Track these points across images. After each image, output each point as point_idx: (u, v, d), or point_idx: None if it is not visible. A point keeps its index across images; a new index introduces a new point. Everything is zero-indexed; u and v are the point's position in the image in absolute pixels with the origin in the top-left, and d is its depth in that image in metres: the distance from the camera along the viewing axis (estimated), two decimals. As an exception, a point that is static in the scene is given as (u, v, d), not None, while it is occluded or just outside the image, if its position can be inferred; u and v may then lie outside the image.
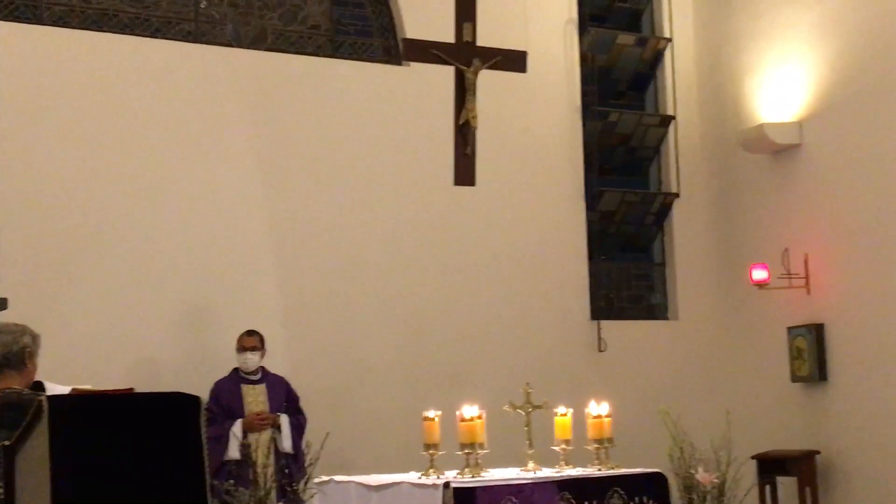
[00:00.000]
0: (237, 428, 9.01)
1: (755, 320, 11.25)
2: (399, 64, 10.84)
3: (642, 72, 12.23)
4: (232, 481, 7.26)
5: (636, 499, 7.38)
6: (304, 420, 9.33)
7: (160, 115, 9.80)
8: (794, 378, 10.72)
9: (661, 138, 12.09)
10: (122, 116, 9.66)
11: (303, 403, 9.44)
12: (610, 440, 7.71)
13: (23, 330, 5.86)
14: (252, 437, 8.84)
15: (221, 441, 8.87)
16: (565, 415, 7.78)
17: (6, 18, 9.48)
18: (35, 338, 5.89)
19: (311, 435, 8.45)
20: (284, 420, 9.20)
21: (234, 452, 8.85)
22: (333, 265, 10.28)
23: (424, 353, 10.52)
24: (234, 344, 9.34)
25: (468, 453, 7.25)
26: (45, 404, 5.00)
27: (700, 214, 11.95)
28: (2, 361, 5.78)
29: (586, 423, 7.78)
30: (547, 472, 7.46)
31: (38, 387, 5.91)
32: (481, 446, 7.29)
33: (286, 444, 9.11)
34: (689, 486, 7.65)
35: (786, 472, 10.40)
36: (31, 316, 7.64)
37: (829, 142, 10.43)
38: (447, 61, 8.98)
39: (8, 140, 9.23)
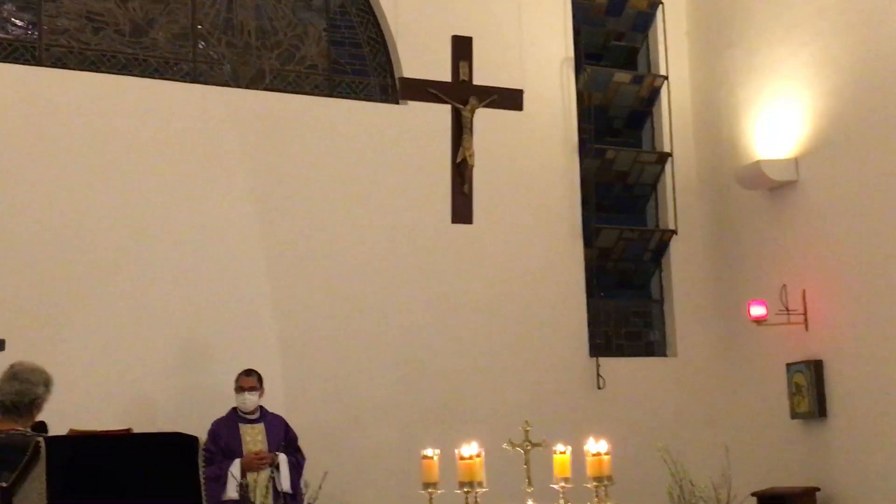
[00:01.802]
0: (235, 468, 8.97)
1: (754, 357, 11.23)
2: (396, 103, 10.89)
3: (638, 109, 12.27)
4: (230, 522, 7.25)
5: (636, 537, 7.35)
6: (303, 459, 9.31)
7: (158, 155, 9.83)
8: (794, 414, 10.70)
9: (658, 175, 12.11)
10: (121, 156, 9.69)
11: (301, 443, 9.41)
12: (609, 478, 7.68)
13: (38, 380, 5.89)
14: (250, 477, 8.80)
15: (220, 481, 8.84)
16: (564, 452, 7.76)
17: (5, 60, 9.53)
18: (48, 385, 5.94)
19: (309, 474, 8.44)
20: (283, 459, 9.17)
21: (232, 492, 8.81)
22: (331, 304, 10.28)
23: (423, 391, 10.50)
24: (231, 383, 9.32)
25: (467, 492, 7.23)
26: (43, 445, 5.00)
27: (698, 251, 11.97)
28: (10, 407, 5.82)
29: (585, 461, 7.75)
30: (546, 511, 7.43)
31: (41, 426, 5.93)
32: (480, 485, 7.26)
33: (285, 483, 9.08)
34: (689, 524, 7.62)
35: (786, 510, 10.36)
36: (28, 356, 7.64)
37: (826, 178, 10.46)
38: (444, 100, 9.03)
39: (6, 180, 9.25)
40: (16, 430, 5.65)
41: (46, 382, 5.95)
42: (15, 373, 5.91)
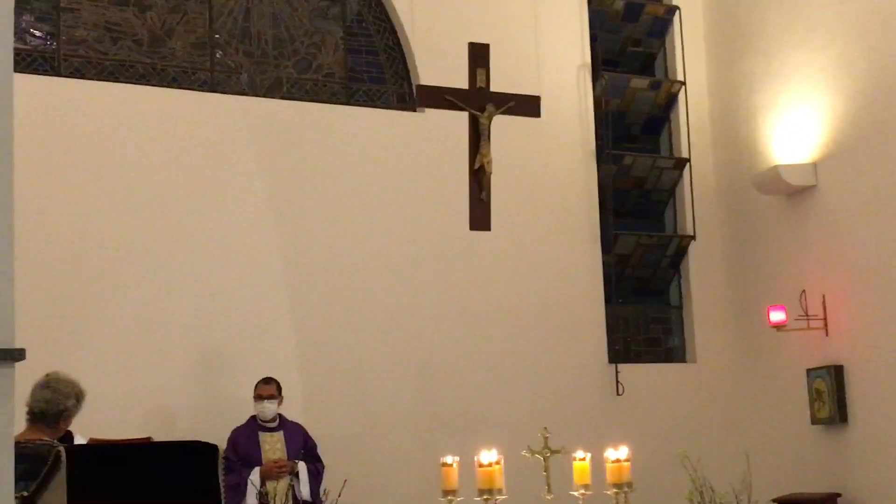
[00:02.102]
0: (255, 476, 8.98)
1: (773, 362, 11.20)
2: (413, 110, 10.90)
3: (656, 115, 12.25)
4: (250, 530, 7.25)
5: (656, 544, 7.33)
6: (322, 467, 9.31)
7: (176, 164, 9.86)
8: (814, 420, 10.65)
9: (676, 181, 12.09)
10: (139, 166, 9.72)
11: (320, 450, 9.42)
12: (629, 484, 7.66)
13: (69, 391, 5.91)
14: (270, 485, 8.81)
15: (239, 489, 8.85)
16: (584, 459, 7.74)
17: (24, 71, 9.56)
18: (80, 399, 5.95)
19: (329, 482, 8.43)
20: (302, 467, 9.17)
21: (252, 500, 8.83)
22: (349, 311, 10.29)
23: (442, 398, 10.50)
24: (250, 392, 9.34)
25: (487, 499, 7.22)
26: (63, 455, 5.01)
27: (716, 257, 11.94)
28: (37, 415, 5.84)
29: (605, 468, 7.73)
30: (566, 518, 7.42)
31: (67, 436, 5.95)
32: (500, 492, 7.25)
33: (304, 491, 9.08)
34: (710, 531, 7.59)
35: (807, 516, 10.32)
36: (47, 365, 7.67)
37: (845, 182, 10.42)
38: (461, 107, 9.04)
39: (25, 191, 9.27)
40: (42, 440, 5.68)
41: (78, 396, 5.98)
42: (48, 381, 5.94)
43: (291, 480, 9.06)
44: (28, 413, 5.89)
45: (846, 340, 10.39)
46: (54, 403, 5.85)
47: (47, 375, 5.98)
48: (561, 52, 11.57)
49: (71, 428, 6.12)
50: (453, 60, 9.82)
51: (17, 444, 5.71)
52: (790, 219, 11.02)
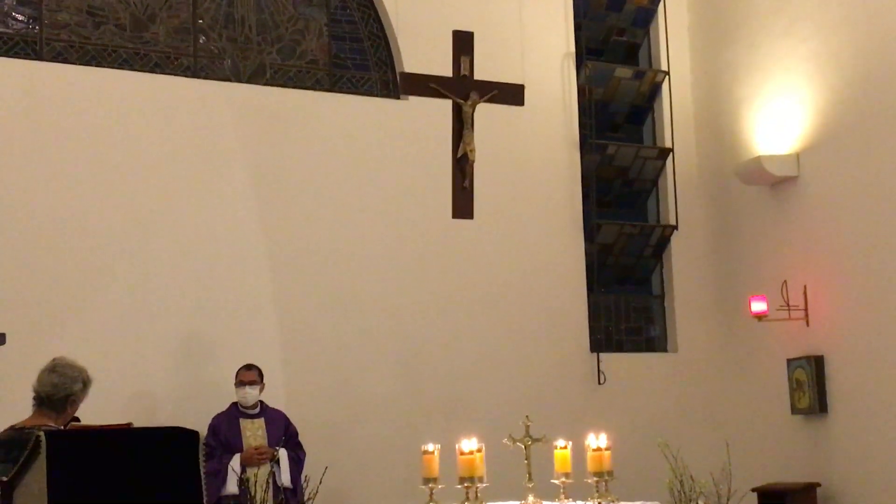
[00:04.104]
0: (235, 462, 8.98)
1: (754, 352, 11.24)
2: (397, 98, 10.88)
3: (639, 105, 12.27)
4: (230, 516, 7.25)
5: (636, 532, 7.34)
6: (303, 454, 9.31)
7: (159, 150, 9.83)
8: (794, 410, 10.70)
9: (659, 171, 12.11)
10: (121, 151, 9.68)
11: (301, 437, 9.42)
12: (610, 473, 7.67)
13: (76, 377, 5.90)
14: (250, 472, 8.80)
15: (220, 476, 8.85)
16: (565, 448, 7.75)
17: (5, 54, 9.52)
18: (86, 385, 5.93)
19: (309, 469, 8.43)
20: (283, 454, 9.17)
21: (232, 487, 8.82)
22: (331, 298, 10.28)
23: (423, 386, 10.51)
24: (232, 378, 9.33)
25: (468, 487, 7.21)
26: (43, 439, 5.00)
27: (698, 247, 11.96)
28: (44, 399, 5.83)
29: (586, 456, 7.74)
30: (547, 506, 7.43)
31: (74, 421, 5.94)
32: (481, 480, 7.24)
33: (285, 478, 9.08)
34: (690, 520, 7.61)
35: (786, 505, 10.37)
36: (28, 350, 7.67)
37: (827, 173, 10.45)
38: (445, 95, 9.02)
39: (5, 175, 9.25)
40: (47, 425, 5.66)
41: (84, 381, 5.96)
42: (55, 366, 5.92)
43: (272, 467, 9.04)
44: (35, 398, 5.88)
45: (827, 331, 10.43)
46: (60, 388, 5.84)
47: (53, 360, 5.97)
48: (545, 40, 11.56)
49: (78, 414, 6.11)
50: (437, 48, 9.81)
51: (13, 428, 5.72)
52: (772, 209, 11.06)
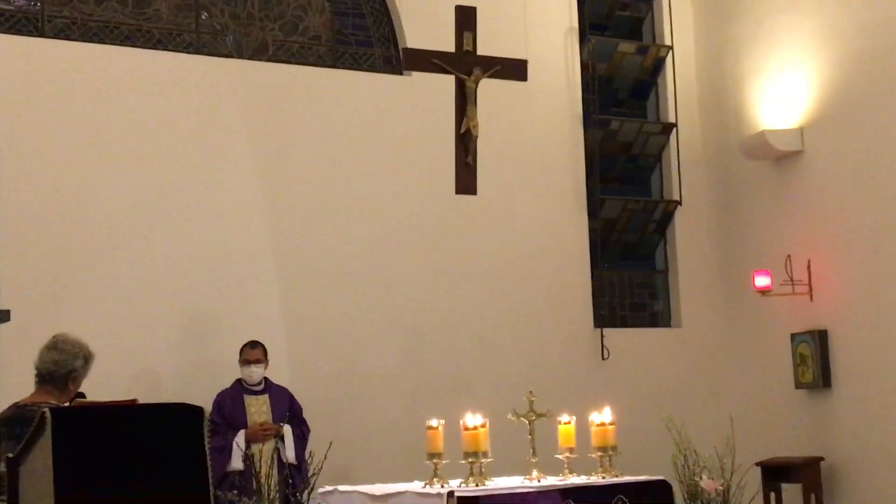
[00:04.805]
0: (240, 439, 9.00)
1: (758, 327, 11.24)
2: (400, 73, 10.85)
3: (643, 80, 12.23)
4: (235, 492, 7.28)
5: (640, 506, 7.37)
6: (308, 430, 9.33)
7: (161, 127, 9.81)
8: (798, 385, 10.71)
9: (663, 146, 12.09)
10: (124, 128, 9.67)
11: (306, 414, 9.44)
12: (614, 448, 7.71)
13: (76, 353, 5.91)
14: (255, 448, 8.82)
15: (225, 452, 8.87)
16: (569, 423, 7.78)
17: (7, 31, 9.50)
18: (88, 361, 5.94)
19: (314, 445, 8.45)
20: (288, 430, 9.19)
21: (237, 463, 8.85)
22: (335, 275, 10.28)
23: (427, 361, 10.52)
24: (236, 355, 9.34)
25: (472, 462, 7.24)
26: (49, 416, 5.01)
27: (702, 222, 11.95)
28: (45, 376, 5.84)
29: (590, 431, 7.77)
30: (551, 481, 7.46)
31: (79, 397, 5.95)
32: (485, 455, 7.28)
33: (289, 454, 9.11)
34: (694, 494, 7.65)
35: (790, 479, 10.39)
36: (32, 328, 7.68)
37: (831, 148, 10.43)
38: (448, 70, 9.00)
39: (8, 152, 9.24)
40: (49, 402, 5.68)
41: (86, 357, 5.96)
42: (56, 342, 5.93)
43: (277, 443, 9.08)
44: (36, 375, 5.89)
45: (830, 305, 10.43)
46: (62, 364, 5.85)
47: (54, 337, 5.97)
48: (548, 15, 11.52)
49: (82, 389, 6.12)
50: (440, 23, 9.76)
51: (16, 406, 5.74)
52: (776, 184, 11.04)
